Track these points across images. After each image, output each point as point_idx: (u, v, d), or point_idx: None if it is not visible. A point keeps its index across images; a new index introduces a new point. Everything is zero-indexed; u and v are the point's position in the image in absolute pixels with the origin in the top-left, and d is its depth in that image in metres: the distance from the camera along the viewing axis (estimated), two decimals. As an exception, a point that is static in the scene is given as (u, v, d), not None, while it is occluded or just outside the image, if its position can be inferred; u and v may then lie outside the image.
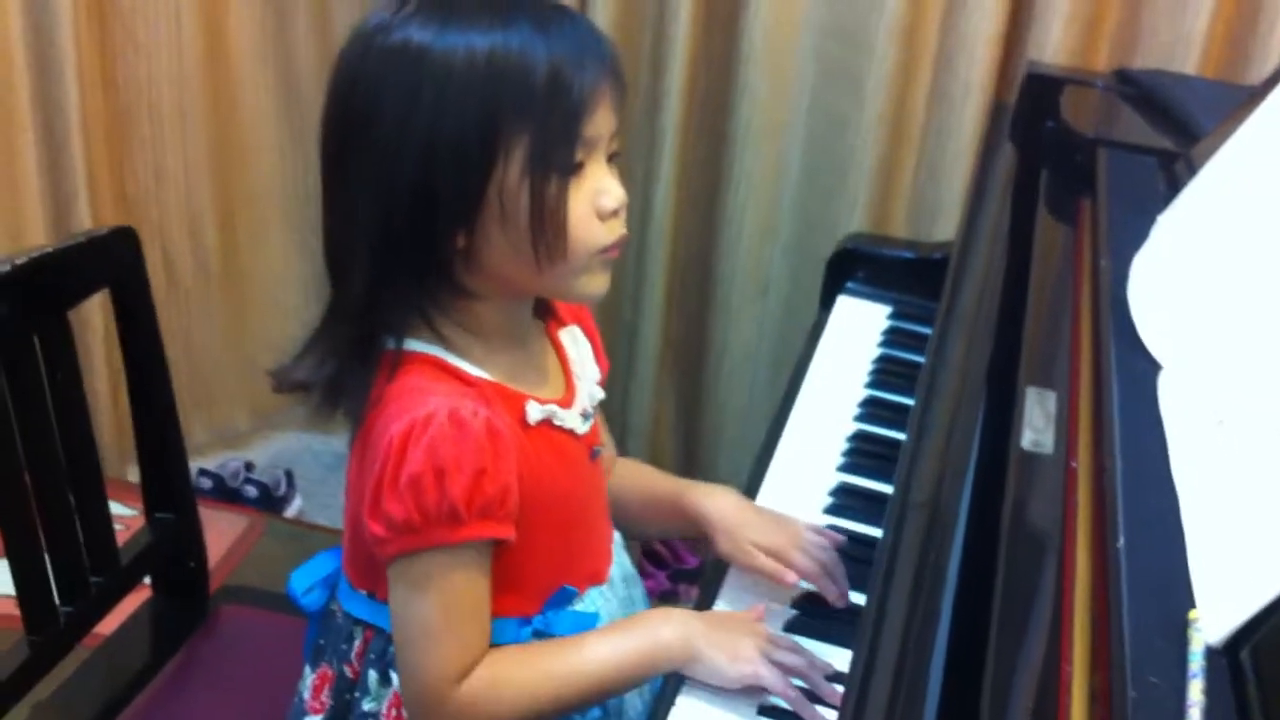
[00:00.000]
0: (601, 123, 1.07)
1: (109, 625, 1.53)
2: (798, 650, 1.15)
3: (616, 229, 1.10)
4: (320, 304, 1.14)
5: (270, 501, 2.73)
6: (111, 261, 1.43)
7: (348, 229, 1.09)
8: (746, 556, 1.27)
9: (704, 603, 1.28)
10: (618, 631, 1.17)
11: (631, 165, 2.45)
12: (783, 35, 2.29)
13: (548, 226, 1.05)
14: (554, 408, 1.16)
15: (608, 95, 1.07)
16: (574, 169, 1.06)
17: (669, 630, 1.14)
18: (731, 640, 1.14)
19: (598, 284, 1.13)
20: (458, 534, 1.06)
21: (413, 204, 1.04)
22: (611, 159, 1.10)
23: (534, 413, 1.13)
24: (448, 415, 1.04)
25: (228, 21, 2.54)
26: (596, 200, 1.08)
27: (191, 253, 2.68)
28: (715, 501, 1.31)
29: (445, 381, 1.09)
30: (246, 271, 2.79)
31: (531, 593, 1.17)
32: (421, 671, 1.10)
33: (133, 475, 1.55)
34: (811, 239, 2.41)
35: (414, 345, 1.11)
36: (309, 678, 1.25)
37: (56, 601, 1.39)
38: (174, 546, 1.59)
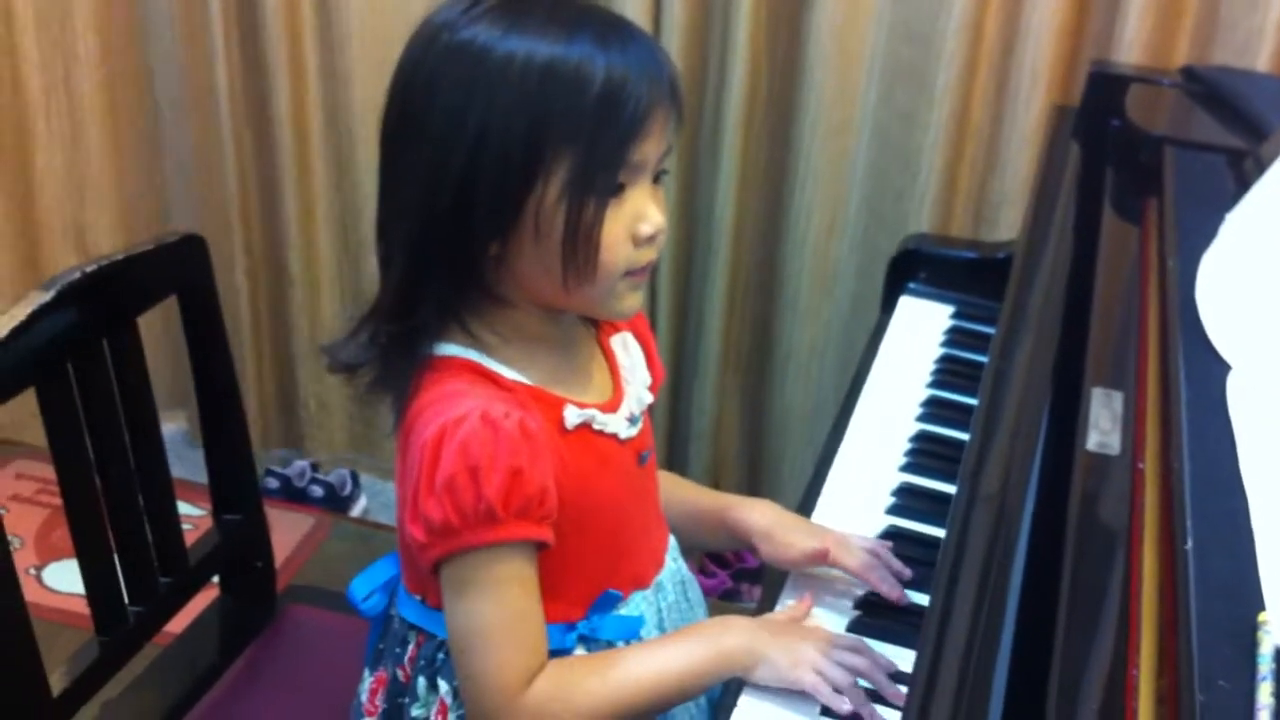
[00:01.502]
0: (650, 147, 1.06)
1: (178, 625, 1.55)
2: (861, 650, 1.15)
3: (648, 254, 1.09)
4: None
5: (336, 501, 2.76)
6: (180, 268, 1.45)
7: (391, 221, 1.10)
8: (787, 551, 1.28)
9: (766, 603, 1.28)
10: (682, 639, 1.17)
11: (694, 166, 2.45)
12: (850, 33, 2.28)
13: (580, 248, 1.05)
14: (594, 412, 1.15)
15: (661, 119, 1.06)
16: (615, 191, 1.06)
17: (733, 638, 1.14)
18: (793, 646, 1.13)
19: (626, 304, 1.12)
20: (496, 533, 1.05)
21: (452, 205, 1.04)
22: (657, 179, 1.10)
23: (572, 417, 1.13)
24: (479, 416, 1.04)
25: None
26: (634, 225, 1.07)
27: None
28: (757, 513, 1.32)
29: (481, 385, 1.09)
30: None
31: (575, 598, 1.17)
32: (483, 680, 1.09)
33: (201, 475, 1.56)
34: (880, 237, 2.40)
35: (450, 349, 1.11)
36: (367, 680, 1.26)
37: (126, 602, 1.41)
38: (241, 547, 1.61)
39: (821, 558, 1.26)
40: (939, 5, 2.22)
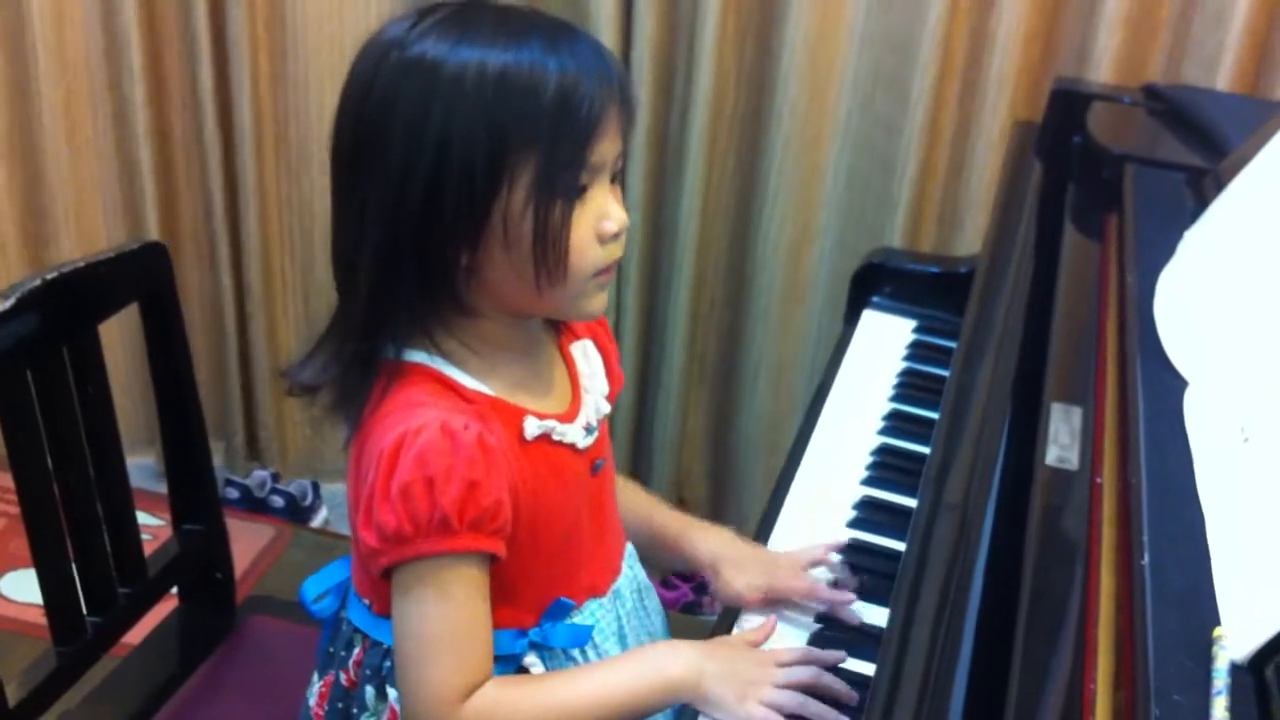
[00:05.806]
0: (607, 147, 1.07)
1: (137, 635, 1.54)
2: (807, 659, 1.16)
3: (614, 251, 1.10)
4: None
5: (297, 512, 2.75)
6: (142, 275, 1.45)
7: (355, 240, 1.09)
8: (727, 588, 1.29)
9: (724, 620, 1.28)
10: (627, 664, 1.18)
11: (659, 177, 2.46)
12: (825, 47, 2.29)
13: (550, 251, 1.05)
14: (553, 423, 1.15)
15: (614, 119, 1.07)
16: (578, 192, 1.07)
17: (677, 666, 1.14)
18: (739, 676, 1.14)
19: (595, 305, 1.13)
20: (448, 543, 1.05)
21: (418, 219, 1.04)
22: (614, 179, 1.11)
23: (531, 428, 1.13)
24: (439, 427, 1.05)
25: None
26: (599, 224, 1.08)
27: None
28: (709, 543, 1.33)
29: (442, 396, 1.09)
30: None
31: (527, 605, 1.17)
32: (422, 689, 1.09)
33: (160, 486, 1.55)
34: (854, 249, 2.40)
35: (413, 356, 1.11)
36: (316, 684, 1.26)
37: (84, 612, 1.40)
38: (201, 557, 1.60)
39: (757, 600, 1.28)
40: (914, 16, 2.23)
